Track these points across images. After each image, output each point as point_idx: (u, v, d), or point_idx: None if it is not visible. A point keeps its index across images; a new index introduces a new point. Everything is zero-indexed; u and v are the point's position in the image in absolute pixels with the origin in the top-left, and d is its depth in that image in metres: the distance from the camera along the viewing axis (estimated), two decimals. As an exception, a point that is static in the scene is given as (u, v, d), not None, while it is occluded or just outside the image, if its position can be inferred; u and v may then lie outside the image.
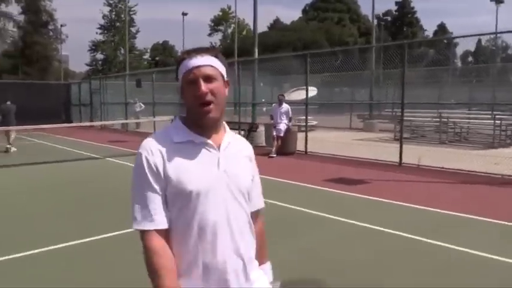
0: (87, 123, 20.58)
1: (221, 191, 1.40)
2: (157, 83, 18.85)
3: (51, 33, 41.90)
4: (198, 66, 1.38)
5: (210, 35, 60.00)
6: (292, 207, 6.03)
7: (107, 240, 4.67)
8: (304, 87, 20.29)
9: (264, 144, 13.02)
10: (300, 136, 12.14)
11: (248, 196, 1.50)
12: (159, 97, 19.89)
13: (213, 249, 1.38)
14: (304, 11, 60.96)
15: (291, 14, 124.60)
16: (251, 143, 8.45)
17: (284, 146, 11.79)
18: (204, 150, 1.42)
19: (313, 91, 20.05)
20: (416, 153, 9.68)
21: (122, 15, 41.35)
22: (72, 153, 12.11)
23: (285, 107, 11.80)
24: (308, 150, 11.98)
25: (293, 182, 7.93)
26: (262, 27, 47.75)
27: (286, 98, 18.40)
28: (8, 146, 12.63)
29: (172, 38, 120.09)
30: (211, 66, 1.40)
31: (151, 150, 1.39)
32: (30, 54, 38.28)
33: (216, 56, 1.43)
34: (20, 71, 38.34)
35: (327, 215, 5.59)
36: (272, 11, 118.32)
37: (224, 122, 1.51)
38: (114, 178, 8.50)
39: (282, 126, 11.65)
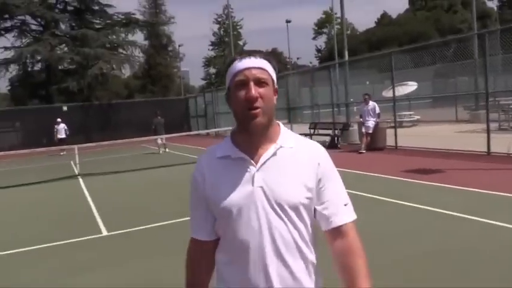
0: (203, 131, 23.20)
1: (256, 208, 1.29)
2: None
3: (170, 54, 46.92)
4: (250, 68, 1.29)
5: (314, 38, 61.07)
6: (359, 193, 6.93)
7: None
8: (405, 82, 20.33)
9: (358, 141, 13.75)
10: (400, 131, 12.59)
11: (302, 211, 1.32)
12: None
13: (245, 271, 1.31)
14: (411, 1, 58.61)
15: (398, 7, 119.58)
16: (345, 141, 9.98)
17: (373, 142, 12.44)
18: (239, 166, 1.33)
19: (412, 86, 19.98)
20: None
21: (229, 31, 44.58)
22: (185, 157, 14.28)
23: (371, 104, 12.41)
24: (399, 144, 12.44)
25: (370, 174, 8.73)
26: (370, 23, 47.32)
27: (385, 94, 18.69)
28: (162, 150, 17.54)
29: (280, 45, 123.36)
30: (263, 69, 1.30)
31: (198, 166, 1.41)
32: (155, 74, 43.34)
33: (268, 60, 1.34)
34: (147, 90, 43.64)
35: (389, 199, 6.40)
36: (381, 4, 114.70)
37: (281, 126, 1.40)
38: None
39: (370, 123, 12.31)
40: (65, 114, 24.01)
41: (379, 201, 6.42)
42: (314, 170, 1.34)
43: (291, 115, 19.20)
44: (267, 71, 1.31)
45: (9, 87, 38.41)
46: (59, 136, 21.30)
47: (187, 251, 1.45)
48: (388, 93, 17.78)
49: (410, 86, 20.00)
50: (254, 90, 1.27)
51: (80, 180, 11.38)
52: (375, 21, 59.59)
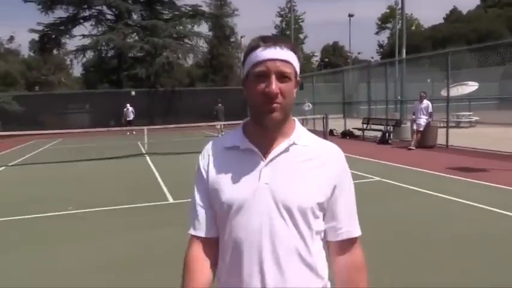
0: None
1: (258, 207, 1.20)
2: (324, 84, 20.66)
3: (232, 45, 48.32)
4: (274, 60, 1.17)
5: (377, 33, 60.08)
6: (396, 183, 7.48)
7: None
8: (465, 82, 20.02)
9: (409, 138, 14.01)
10: (456, 131, 12.62)
11: (309, 217, 1.21)
12: (329, 97, 22.08)
13: (239, 271, 1.22)
14: (483, -3, 55.94)
15: (469, 3, 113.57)
16: (397, 138, 10.72)
17: (424, 140, 12.71)
18: (247, 158, 1.25)
19: (473, 86, 19.66)
20: None
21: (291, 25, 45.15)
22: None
23: (425, 103, 12.65)
24: (450, 144, 12.62)
25: (412, 168, 9.17)
26: (438, 18, 45.69)
27: (443, 94, 18.55)
28: (220, 134, 17.91)
29: (342, 38, 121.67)
30: (288, 62, 1.19)
31: (204, 155, 1.33)
32: (216, 64, 44.93)
33: (295, 51, 1.23)
34: (208, 79, 45.35)
35: (424, 190, 6.92)
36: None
37: (297, 122, 1.31)
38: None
39: (422, 121, 12.59)
40: (132, 99, 25.92)
41: (409, 191, 6.96)
42: (330, 175, 1.25)
43: (345, 110, 19.63)
44: (291, 64, 1.20)
45: (83, 72, 41.57)
46: (128, 118, 23.40)
47: (186, 252, 1.31)
48: (446, 93, 17.73)
49: (470, 86, 19.70)
50: (275, 85, 1.17)
51: (147, 157, 12.69)
52: (444, 17, 57.63)
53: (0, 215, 6.35)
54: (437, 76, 22.07)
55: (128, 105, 23.99)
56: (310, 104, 23.31)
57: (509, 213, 5.47)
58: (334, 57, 63.20)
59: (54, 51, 35.00)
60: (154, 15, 32.55)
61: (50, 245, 4.97)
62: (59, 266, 4.24)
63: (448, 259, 4.03)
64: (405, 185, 7.43)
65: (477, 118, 20.56)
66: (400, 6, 21.71)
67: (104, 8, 32.10)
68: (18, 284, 3.84)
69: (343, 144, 14.48)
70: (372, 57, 55.26)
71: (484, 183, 7.42)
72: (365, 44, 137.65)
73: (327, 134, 15.28)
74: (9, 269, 4.22)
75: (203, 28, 43.93)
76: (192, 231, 1.32)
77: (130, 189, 8.19)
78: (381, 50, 57.81)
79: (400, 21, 21.77)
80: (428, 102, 12.72)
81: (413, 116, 13.02)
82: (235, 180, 1.24)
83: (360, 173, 8.45)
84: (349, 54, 58.28)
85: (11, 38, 37.22)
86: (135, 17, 33.28)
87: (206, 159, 1.32)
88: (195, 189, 1.33)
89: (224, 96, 29.00)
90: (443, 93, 18.73)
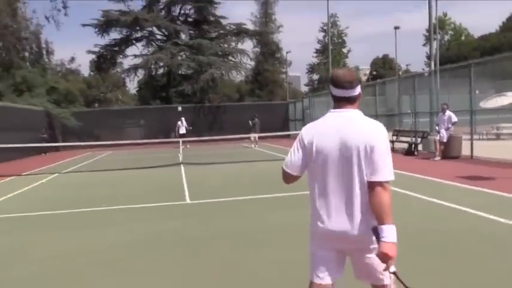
0: (292, 132, 24.90)
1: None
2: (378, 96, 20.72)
3: (278, 60, 49.49)
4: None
5: (424, 44, 58.93)
6: (400, 190, 7.97)
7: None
8: (504, 93, 19.69)
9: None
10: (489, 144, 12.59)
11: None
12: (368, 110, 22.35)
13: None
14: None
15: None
16: (426, 149, 11.41)
17: (448, 151, 12.89)
18: None
19: (510, 97, 19.26)
20: None
21: (334, 39, 45.86)
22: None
23: (447, 114, 12.87)
24: (475, 155, 12.71)
25: (424, 177, 9.55)
26: (492, 26, 44.10)
27: (482, 105, 18.40)
28: (254, 145, 21.81)
29: (387, 51, 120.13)
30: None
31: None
32: (262, 79, 46.22)
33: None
34: (254, 94, 46.70)
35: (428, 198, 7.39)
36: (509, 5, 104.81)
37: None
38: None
39: (444, 132, 12.81)
40: (179, 114, 27.53)
41: (410, 197, 7.44)
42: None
43: (384, 122, 19.70)
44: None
45: (137, 89, 44.31)
46: (180, 132, 24.84)
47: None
48: (485, 104, 17.56)
49: (510, 97, 19.32)
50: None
51: (182, 167, 13.84)
52: (499, 25, 55.51)
53: (49, 210, 7.62)
54: (483, 86, 21.70)
55: (183, 119, 25.51)
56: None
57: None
58: (384, 70, 62.64)
59: (110, 71, 37.76)
60: (201, 34, 34.43)
61: (85, 229, 6.08)
62: (98, 241, 5.32)
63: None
64: (408, 192, 7.87)
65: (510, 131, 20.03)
66: (449, 17, 21.77)
67: (155, 29, 34.43)
68: (90, 247, 4.91)
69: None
70: (423, 69, 54.26)
71: (487, 190, 7.72)
72: (413, 56, 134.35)
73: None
74: (81, 241, 5.39)
75: (248, 45, 45.49)
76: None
77: (155, 192, 9.28)
78: (428, 61, 56.59)
79: (450, 32, 21.74)
80: (451, 114, 12.91)
81: (437, 127, 13.24)
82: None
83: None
84: (398, 66, 57.57)
85: (72, 59, 40.66)
86: (183, 36, 35.38)
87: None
88: None
89: (269, 111, 30.07)
90: (482, 104, 18.58)
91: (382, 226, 2.00)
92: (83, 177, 12.70)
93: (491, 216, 5.71)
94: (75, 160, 18.73)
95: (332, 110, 2.26)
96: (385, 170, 2.06)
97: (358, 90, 2.21)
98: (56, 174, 13.43)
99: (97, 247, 5.22)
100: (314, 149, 2.17)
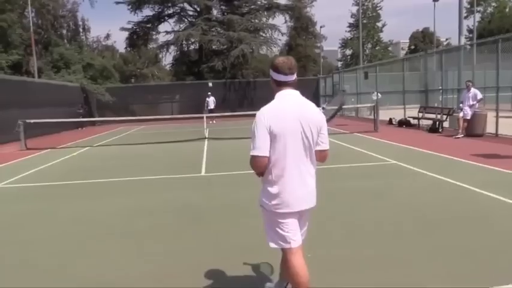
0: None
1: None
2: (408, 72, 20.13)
3: (311, 35, 48.85)
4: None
5: (466, 17, 56.23)
6: (411, 167, 8.06)
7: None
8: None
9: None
10: None
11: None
12: (392, 87, 21.99)
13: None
14: None
15: None
16: (452, 126, 11.65)
17: (472, 128, 12.67)
18: None
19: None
20: None
21: (369, 12, 44.63)
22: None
23: (472, 91, 12.60)
24: (500, 132, 12.44)
25: (437, 153, 9.52)
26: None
27: (515, 82, 17.73)
28: None
29: (425, 24, 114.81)
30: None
31: None
32: (294, 55, 45.85)
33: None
34: (286, 69, 46.49)
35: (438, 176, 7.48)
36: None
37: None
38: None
39: (468, 109, 12.58)
40: (210, 89, 27.99)
41: (416, 173, 7.54)
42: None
43: (404, 98, 19.38)
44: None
45: (170, 65, 45.00)
46: (209, 107, 25.45)
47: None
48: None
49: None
50: None
51: (205, 141, 14.30)
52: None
53: (75, 179, 8.26)
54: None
55: (210, 93, 26.03)
56: (379, 94, 23.37)
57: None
58: (424, 44, 60.45)
59: (144, 47, 38.52)
60: (232, 9, 34.40)
61: (99, 198, 6.62)
62: (107, 209, 5.84)
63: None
64: (415, 168, 7.95)
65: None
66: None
67: (186, 5, 34.69)
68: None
69: (391, 131, 14.92)
70: (465, 43, 51.81)
71: (496, 168, 7.70)
72: (452, 30, 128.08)
73: (377, 122, 15.68)
74: (92, 208, 5.92)
75: (280, 20, 44.99)
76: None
77: (174, 164, 9.78)
78: (470, 35, 54.19)
79: (493, 4, 20.70)
80: (476, 91, 12.64)
81: (461, 105, 13.00)
82: None
83: (378, 156, 9.11)
84: (437, 39, 55.42)
85: (107, 36, 41.87)
86: (215, 12, 35.47)
87: None
88: None
89: (299, 86, 29.77)
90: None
91: None
92: (111, 150, 13.41)
93: (489, 194, 5.79)
94: (108, 134, 19.61)
95: (280, 93, 2.59)
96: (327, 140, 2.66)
97: (295, 75, 2.59)
98: (87, 148, 14.23)
99: (104, 214, 5.72)
100: (276, 129, 2.45)
